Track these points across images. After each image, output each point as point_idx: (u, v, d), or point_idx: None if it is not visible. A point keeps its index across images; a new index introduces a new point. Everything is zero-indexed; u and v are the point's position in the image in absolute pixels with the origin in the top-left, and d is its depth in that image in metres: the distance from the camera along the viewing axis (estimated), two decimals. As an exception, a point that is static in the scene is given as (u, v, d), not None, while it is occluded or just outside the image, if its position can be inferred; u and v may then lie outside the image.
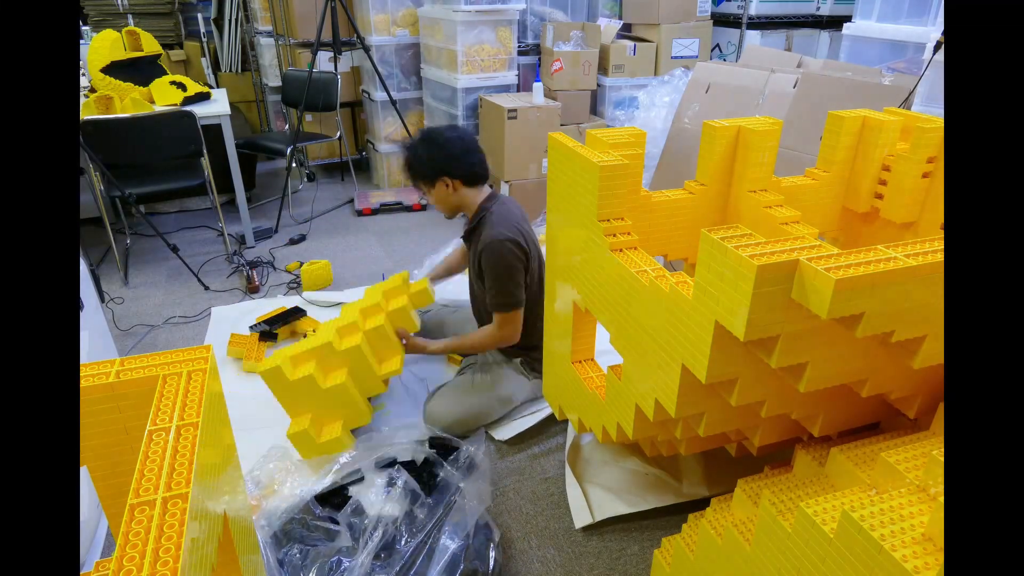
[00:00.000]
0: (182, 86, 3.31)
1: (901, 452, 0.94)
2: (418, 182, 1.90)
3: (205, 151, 3.02)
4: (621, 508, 1.64)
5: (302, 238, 3.48)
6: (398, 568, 1.38)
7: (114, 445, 0.86)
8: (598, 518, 1.62)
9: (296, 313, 2.54)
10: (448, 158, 1.84)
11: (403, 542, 1.43)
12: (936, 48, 2.28)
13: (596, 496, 1.69)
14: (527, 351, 2.00)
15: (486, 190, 1.93)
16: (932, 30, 2.67)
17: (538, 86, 3.39)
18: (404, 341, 1.93)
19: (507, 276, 1.82)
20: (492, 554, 1.47)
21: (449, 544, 1.43)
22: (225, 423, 1.01)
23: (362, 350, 1.80)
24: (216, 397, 0.96)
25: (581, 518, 1.63)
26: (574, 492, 1.70)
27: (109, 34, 3.34)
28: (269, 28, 4.62)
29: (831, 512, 0.88)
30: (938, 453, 0.84)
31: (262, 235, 3.48)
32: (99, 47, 3.27)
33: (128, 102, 3.10)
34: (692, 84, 2.93)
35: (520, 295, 1.85)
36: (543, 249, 1.74)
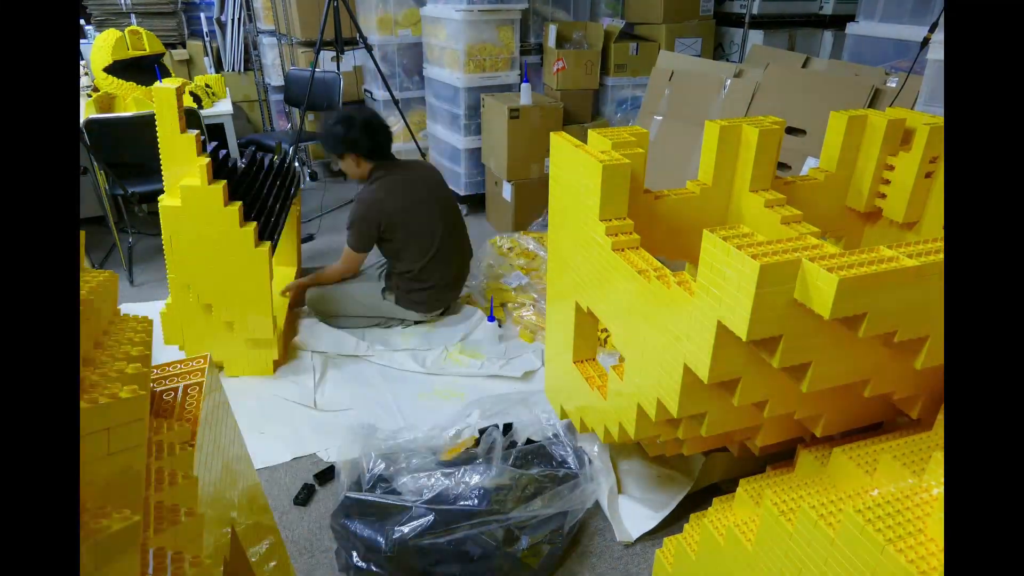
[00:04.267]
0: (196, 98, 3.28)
1: (903, 452, 0.94)
2: (331, 154, 2.35)
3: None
4: (651, 519, 1.63)
5: (310, 237, 3.48)
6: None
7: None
8: (635, 536, 1.61)
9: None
10: (356, 138, 2.24)
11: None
12: (922, 45, 2.27)
13: (625, 509, 1.67)
14: (396, 276, 2.42)
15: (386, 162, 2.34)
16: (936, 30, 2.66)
17: (526, 87, 3.39)
18: (285, 293, 2.48)
19: (357, 222, 2.29)
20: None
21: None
22: (230, 432, 1.01)
23: None
24: (217, 409, 0.96)
25: (620, 533, 1.62)
26: (611, 503, 1.68)
27: (112, 33, 3.34)
28: (272, 28, 4.62)
29: (833, 512, 0.88)
30: (940, 453, 0.84)
31: (264, 234, 3.49)
32: (102, 46, 3.27)
33: (130, 101, 3.11)
34: (656, 73, 2.93)
35: (362, 243, 2.32)
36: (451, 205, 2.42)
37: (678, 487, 1.70)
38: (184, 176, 1.89)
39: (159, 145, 1.89)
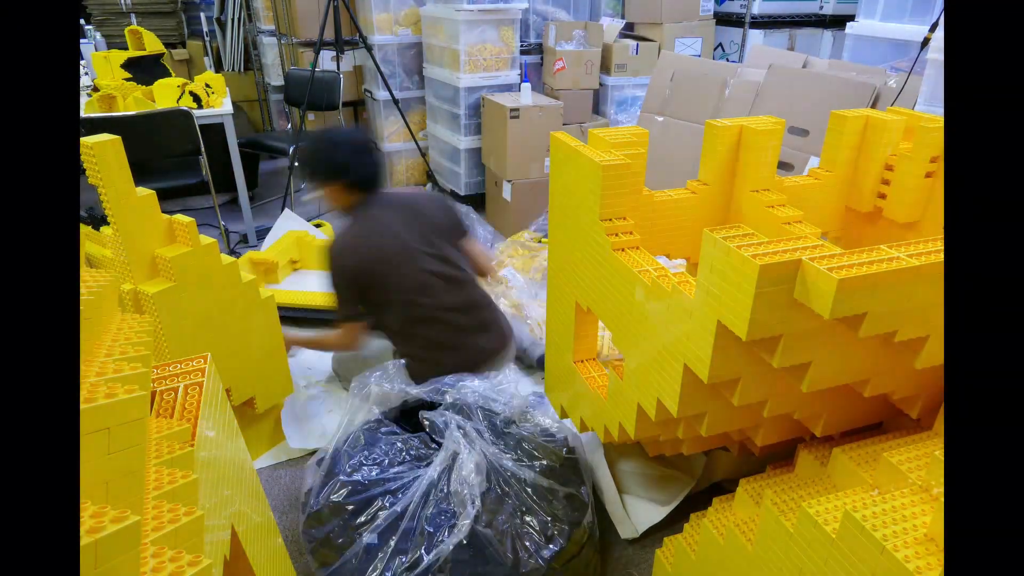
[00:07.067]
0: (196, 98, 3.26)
1: (903, 452, 0.94)
2: (314, 181, 1.85)
3: (203, 149, 3.02)
4: (656, 513, 1.64)
5: (311, 237, 3.48)
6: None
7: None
8: (641, 530, 1.62)
9: None
10: (343, 162, 1.79)
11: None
12: (922, 45, 2.27)
13: (630, 506, 1.68)
14: (407, 357, 1.86)
15: (375, 195, 1.87)
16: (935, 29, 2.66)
17: (526, 87, 3.40)
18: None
19: (334, 287, 1.78)
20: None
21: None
22: (230, 432, 1.01)
23: None
24: (218, 407, 0.96)
25: (625, 529, 1.63)
26: (613, 501, 1.69)
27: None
28: (272, 27, 4.62)
29: (833, 512, 0.88)
30: (940, 453, 0.84)
31: (265, 234, 3.49)
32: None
33: (131, 101, 3.11)
34: (657, 73, 2.94)
35: (346, 310, 1.81)
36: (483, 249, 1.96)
37: (681, 485, 1.70)
38: (154, 246, 1.47)
39: (106, 214, 1.43)
